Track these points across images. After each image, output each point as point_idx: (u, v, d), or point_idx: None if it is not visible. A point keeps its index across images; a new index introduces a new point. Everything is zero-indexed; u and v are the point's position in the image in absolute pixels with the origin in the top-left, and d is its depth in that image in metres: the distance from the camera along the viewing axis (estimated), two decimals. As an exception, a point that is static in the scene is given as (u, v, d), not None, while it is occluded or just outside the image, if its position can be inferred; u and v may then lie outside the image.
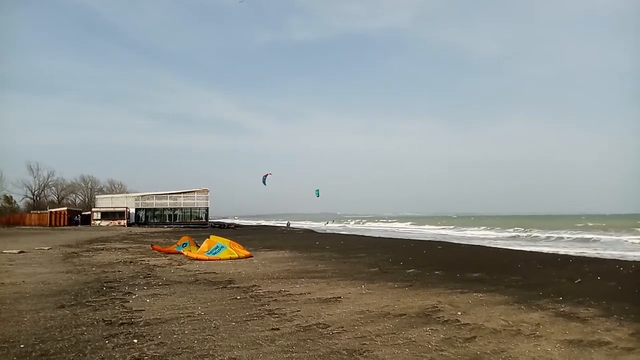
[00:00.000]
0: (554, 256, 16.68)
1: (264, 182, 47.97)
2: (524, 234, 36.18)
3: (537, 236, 33.41)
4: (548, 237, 31.84)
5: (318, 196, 47.40)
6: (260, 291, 8.71)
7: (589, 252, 19.50)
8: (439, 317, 6.42)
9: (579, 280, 10.14)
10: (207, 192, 70.76)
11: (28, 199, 79.51)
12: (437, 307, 7.15)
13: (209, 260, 14.90)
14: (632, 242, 25.48)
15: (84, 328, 5.74)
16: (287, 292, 8.54)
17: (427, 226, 59.99)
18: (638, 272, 11.57)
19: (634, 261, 14.43)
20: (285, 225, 73.36)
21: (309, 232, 48.45)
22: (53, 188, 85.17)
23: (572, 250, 20.26)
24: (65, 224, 62.69)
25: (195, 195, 70.41)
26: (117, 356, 4.58)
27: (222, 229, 56.17)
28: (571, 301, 7.59)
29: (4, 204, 75.02)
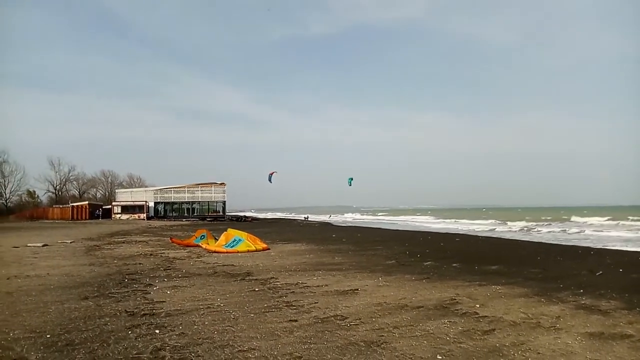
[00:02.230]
0: (574, 248, 16.42)
1: (269, 180, 48.73)
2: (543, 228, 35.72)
3: (564, 229, 32.91)
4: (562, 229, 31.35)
5: (350, 185, 47.14)
6: (278, 283, 8.79)
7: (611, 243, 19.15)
8: (457, 310, 6.40)
9: (600, 272, 9.98)
10: (224, 185, 71.37)
11: (50, 194, 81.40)
12: (455, 299, 7.12)
13: (227, 253, 15.07)
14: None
15: (107, 319, 5.89)
16: (304, 284, 8.60)
17: (441, 219, 59.53)
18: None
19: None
20: (304, 218, 73.71)
21: (325, 224, 48.55)
22: (74, 182, 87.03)
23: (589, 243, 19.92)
24: (87, 217, 64.00)
25: (213, 188, 71.09)
26: (139, 346, 4.69)
27: (239, 222, 56.63)
28: (592, 294, 7.49)
29: (27, 199, 76.92)
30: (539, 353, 4.48)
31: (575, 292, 7.63)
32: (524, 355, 4.41)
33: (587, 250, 15.56)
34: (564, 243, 19.77)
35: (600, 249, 16.32)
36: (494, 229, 34.61)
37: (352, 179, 47.72)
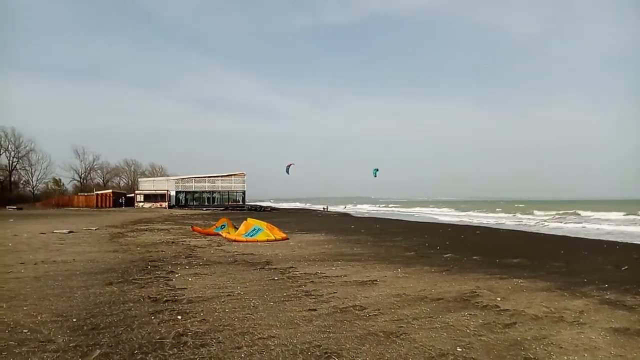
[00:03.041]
0: (600, 242, 16.06)
1: (287, 172, 49.03)
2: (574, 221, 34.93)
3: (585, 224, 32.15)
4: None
5: (375, 176, 46.58)
6: (297, 273, 8.84)
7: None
8: (477, 302, 6.33)
9: (626, 267, 9.74)
10: (244, 175, 72.00)
11: (75, 182, 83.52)
12: (475, 292, 7.05)
13: (246, 242, 15.23)
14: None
15: (131, 304, 6.02)
16: (323, 274, 8.64)
17: (461, 212, 58.83)
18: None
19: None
20: (323, 209, 73.95)
21: (344, 215, 48.56)
22: (98, 171, 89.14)
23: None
24: (111, 205, 65.45)
25: (233, 178, 71.82)
26: (162, 331, 4.79)
27: (258, 211, 57.07)
28: (617, 289, 7.31)
29: (53, 187, 79.04)
30: (561, 347, 4.41)
31: (600, 287, 7.47)
32: (546, 350, 4.34)
33: (613, 244, 15.20)
34: (587, 237, 19.34)
35: (627, 243, 15.91)
36: (518, 222, 34.03)
37: (377, 170, 46.87)
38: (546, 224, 30.60)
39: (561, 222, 31.43)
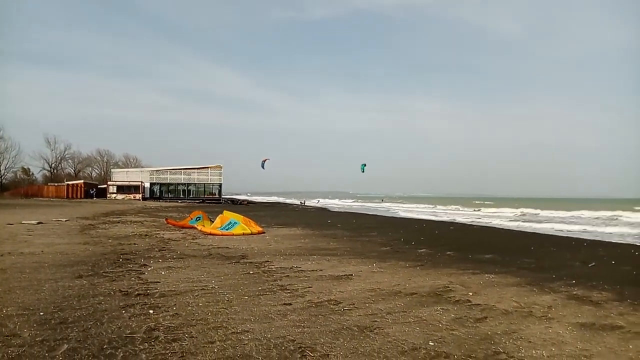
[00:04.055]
0: (568, 239, 16.53)
1: (262, 167, 49.16)
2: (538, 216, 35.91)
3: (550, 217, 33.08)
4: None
5: (363, 171, 46.29)
6: (273, 267, 8.81)
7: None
8: (450, 297, 6.43)
9: (593, 263, 10.05)
10: (221, 168, 71.27)
11: (45, 172, 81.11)
12: (448, 287, 7.16)
13: (222, 235, 15.09)
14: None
15: (101, 298, 5.89)
16: (299, 269, 8.63)
17: (439, 207, 59.77)
18: (654, 258, 11.42)
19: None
20: (300, 203, 73.98)
21: (322, 209, 48.67)
22: (70, 161, 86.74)
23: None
24: (82, 196, 63.88)
25: (209, 171, 71.00)
26: (133, 326, 4.69)
27: (235, 205, 56.65)
28: (584, 285, 7.54)
29: (22, 176, 76.57)
30: (530, 342, 4.51)
31: (568, 283, 7.68)
32: (515, 344, 4.44)
33: (581, 242, 15.67)
34: (557, 234, 19.89)
35: (594, 240, 16.43)
36: (491, 219, 34.75)
37: (365, 165, 46.48)
38: (520, 220, 31.34)
39: (532, 221, 32.25)
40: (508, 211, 44.62)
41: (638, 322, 5.28)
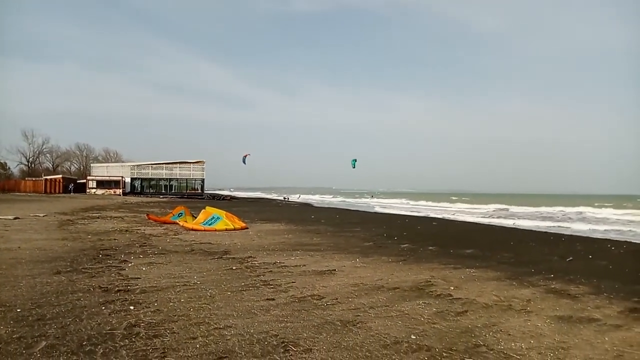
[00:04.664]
0: (547, 234, 16.85)
1: (243, 162, 49.10)
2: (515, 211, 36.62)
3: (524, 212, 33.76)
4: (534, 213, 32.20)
5: (354, 167, 45.85)
6: (256, 262, 8.77)
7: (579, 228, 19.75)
8: (432, 292, 6.51)
9: (571, 258, 10.28)
10: (203, 163, 70.68)
11: (22, 166, 79.35)
12: (430, 281, 7.24)
13: (204, 230, 14.97)
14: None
15: (80, 294, 5.78)
16: (282, 264, 8.62)
17: (422, 202, 60.40)
18: (629, 252, 11.73)
19: (625, 241, 14.60)
20: (284, 198, 73.82)
21: (305, 205, 48.64)
22: (48, 155, 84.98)
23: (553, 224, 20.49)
24: (61, 191, 62.65)
25: (192, 166, 70.34)
26: (113, 322, 4.63)
27: (218, 200, 56.22)
28: (562, 279, 7.71)
29: (-2, 170, 74.69)
30: (509, 334, 4.60)
31: (546, 277, 7.84)
32: (495, 337, 4.52)
33: (559, 236, 15.99)
34: (537, 230, 20.26)
35: (571, 235, 16.80)
36: (469, 216, 35.24)
37: (355, 161, 46.02)
38: (501, 216, 31.88)
39: (515, 216, 32.83)
40: (490, 207, 45.43)
41: (614, 315, 5.43)
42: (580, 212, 35.73)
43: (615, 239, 15.50)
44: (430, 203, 58.47)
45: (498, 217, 30.54)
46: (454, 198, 79.79)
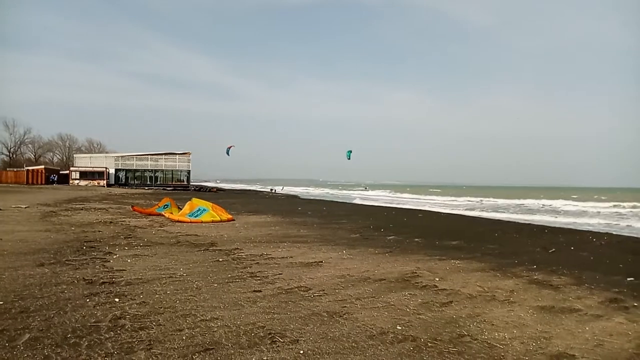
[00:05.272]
0: (530, 226, 17.12)
1: (227, 154, 49.01)
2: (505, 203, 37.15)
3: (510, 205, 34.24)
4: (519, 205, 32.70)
5: (349, 158, 45.36)
6: (242, 254, 8.76)
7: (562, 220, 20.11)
8: (417, 283, 6.57)
9: (553, 249, 10.46)
10: (189, 154, 70.01)
11: (4, 157, 77.85)
12: (416, 272, 7.31)
13: (190, 222, 14.87)
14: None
15: (64, 286, 5.72)
16: (269, 256, 8.61)
17: (406, 195, 60.83)
18: (610, 244, 11.98)
19: (607, 233, 14.91)
20: (270, 190, 73.62)
21: (292, 197, 48.60)
22: (30, 146, 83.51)
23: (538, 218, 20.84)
24: (43, 182, 61.59)
25: (177, 157, 69.64)
26: (98, 314, 4.59)
27: (204, 192, 55.84)
28: (545, 270, 7.85)
29: (-22, 161, 73.10)
30: (493, 324, 4.68)
31: (529, 268, 7.97)
32: (479, 327, 4.59)
33: (542, 228, 16.25)
34: (521, 221, 20.56)
35: (554, 227, 17.09)
36: (457, 205, 35.62)
37: (350, 152, 45.43)
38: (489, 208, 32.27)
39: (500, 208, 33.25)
40: (475, 200, 46.02)
41: (594, 306, 5.55)
42: (559, 206, 36.37)
43: (596, 231, 15.82)
44: (415, 195, 58.93)
45: (480, 210, 30.93)
46: (437, 190, 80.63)
